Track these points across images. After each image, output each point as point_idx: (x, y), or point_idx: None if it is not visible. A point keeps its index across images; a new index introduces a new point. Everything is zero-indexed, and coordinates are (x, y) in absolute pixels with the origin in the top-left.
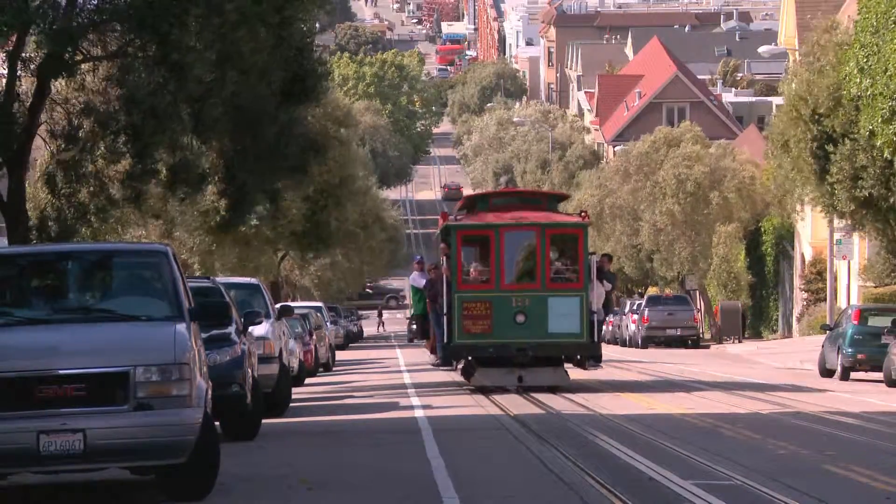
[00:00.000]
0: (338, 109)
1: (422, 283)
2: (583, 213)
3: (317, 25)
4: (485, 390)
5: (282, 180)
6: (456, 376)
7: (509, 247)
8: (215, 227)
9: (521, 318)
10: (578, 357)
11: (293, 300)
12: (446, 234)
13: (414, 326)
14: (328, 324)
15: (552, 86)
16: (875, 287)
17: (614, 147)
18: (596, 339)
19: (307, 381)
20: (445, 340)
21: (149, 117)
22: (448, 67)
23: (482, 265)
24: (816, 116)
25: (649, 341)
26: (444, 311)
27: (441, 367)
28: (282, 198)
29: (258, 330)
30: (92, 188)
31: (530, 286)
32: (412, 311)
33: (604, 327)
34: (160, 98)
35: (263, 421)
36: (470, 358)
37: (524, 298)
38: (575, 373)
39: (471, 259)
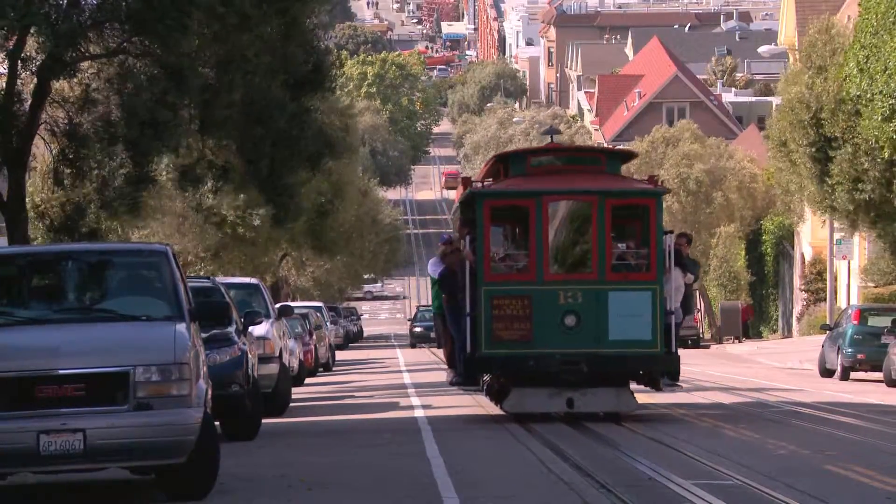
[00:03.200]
0: (344, 109)
1: (437, 272)
2: (654, 179)
3: (325, 18)
4: (521, 419)
5: (300, 169)
6: (483, 401)
7: (556, 223)
8: (225, 232)
9: (571, 321)
10: (648, 373)
11: (293, 300)
12: (469, 205)
13: (417, 329)
14: (328, 324)
15: (552, 86)
16: (875, 287)
17: (614, 147)
18: (674, 349)
19: (307, 381)
20: (468, 350)
21: (147, 128)
22: (447, 68)
23: (518, 248)
24: (816, 120)
25: None
26: (468, 310)
27: (462, 387)
28: (299, 192)
29: (258, 330)
30: (95, 185)
31: (584, 276)
32: (416, 312)
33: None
34: (160, 112)
35: (263, 421)
36: (501, 374)
37: (576, 293)
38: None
39: (503, 240)
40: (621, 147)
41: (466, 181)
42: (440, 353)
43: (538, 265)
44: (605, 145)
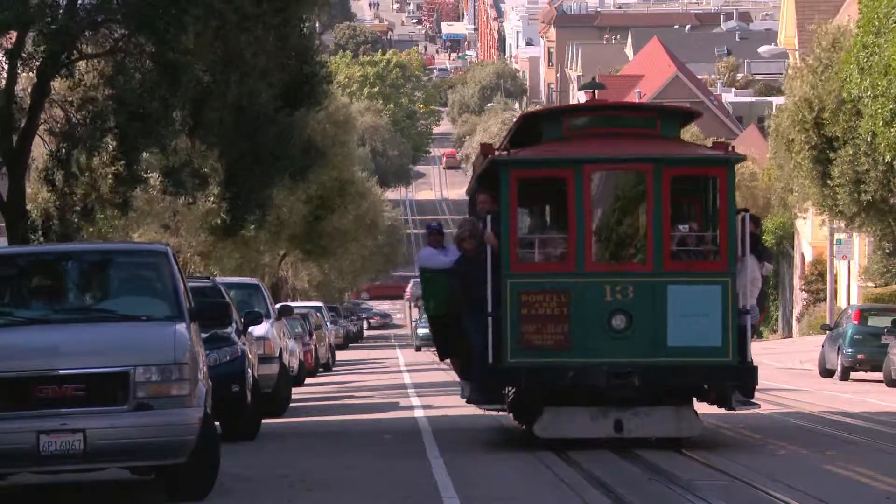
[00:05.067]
0: (338, 112)
1: (443, 261)
2: (723, 144)
3: (317, 26)
4: (554, 445)
5: (281, 185)
6: (508, 422)
7: (600, 199)
8: (217, 231)
9: (620, 322)
10: (717, 388)
11: (293, 300)
12: (491, 178)
13: (423, 330)
14: (328, 324)
15: (552, 86)
16: (875, 287)
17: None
18: (749, 358)
19: (307, 381)
20: (490, 359)
21: (135, 119)
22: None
23: (553, 230)
24: (819, 122)
25: None
26: (489, 308)
27: (481, 406)
28: (275, 206)
29: (258, 330)
30: (84, 187)
31: (636, 266)
32: (422, 311)
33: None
34: (149, 101)
35: (263, 421)
36: (531, 390)
37: (626, 287)
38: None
39: (534, 221)
40: (678, 104)
41: (487, 149)
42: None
43: (578, 252)
44: None
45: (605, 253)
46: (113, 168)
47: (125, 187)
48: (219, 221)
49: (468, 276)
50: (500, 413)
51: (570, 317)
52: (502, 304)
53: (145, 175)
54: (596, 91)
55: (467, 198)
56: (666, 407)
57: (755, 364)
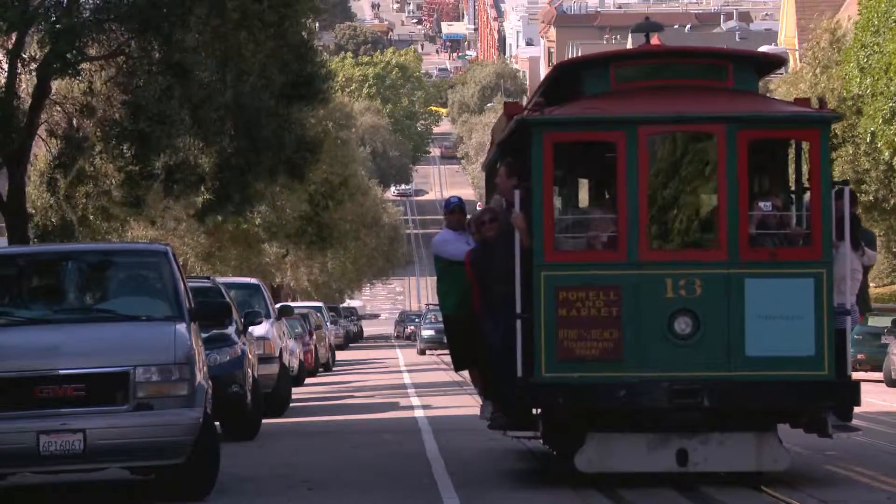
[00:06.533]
0: (338, 110)
1: (463, 250)
2: (816, 100)
3: (316, 26)
4: (599, 481)
5: (278, 181)
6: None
7: (658, 169)
8: (194, 218)
9: (684, 325)
10: (809, 410)
11: (293, 300)
12: (519, 143)
13: (427, 332)
14: (328, 324)
15: None
16: (875, 287)
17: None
18: (849, 372)
19: (307, 381)
20: (519, 373)
21: (156, 123)
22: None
23: (598, 210)
24: None
25: None
26: (518, 309)
27: (507, 433)
28: (275, 202)
29: (258, 330)
30: (91, 189)
31: (705, 255)
32: (426, 310)
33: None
34: (167, 104)
35: (263, 421)
36: (572, 412)
37: (692, 281)
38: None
39: (573, 197)
40: (755, 50)
41: (514, 108)
42: (447, 357)
43: (631, 236)
44: None
45: (666, 237)
46: (127, 169)
47: (137, 187)
48: (193, 210)
49: (489, 269)
50: (531, 440)
51: (620, 319)
52: (534, 303)
53: (158, 172)
54: (649, 35)
55: (484, 173)
56: (743, 433)
57: (855, 380)
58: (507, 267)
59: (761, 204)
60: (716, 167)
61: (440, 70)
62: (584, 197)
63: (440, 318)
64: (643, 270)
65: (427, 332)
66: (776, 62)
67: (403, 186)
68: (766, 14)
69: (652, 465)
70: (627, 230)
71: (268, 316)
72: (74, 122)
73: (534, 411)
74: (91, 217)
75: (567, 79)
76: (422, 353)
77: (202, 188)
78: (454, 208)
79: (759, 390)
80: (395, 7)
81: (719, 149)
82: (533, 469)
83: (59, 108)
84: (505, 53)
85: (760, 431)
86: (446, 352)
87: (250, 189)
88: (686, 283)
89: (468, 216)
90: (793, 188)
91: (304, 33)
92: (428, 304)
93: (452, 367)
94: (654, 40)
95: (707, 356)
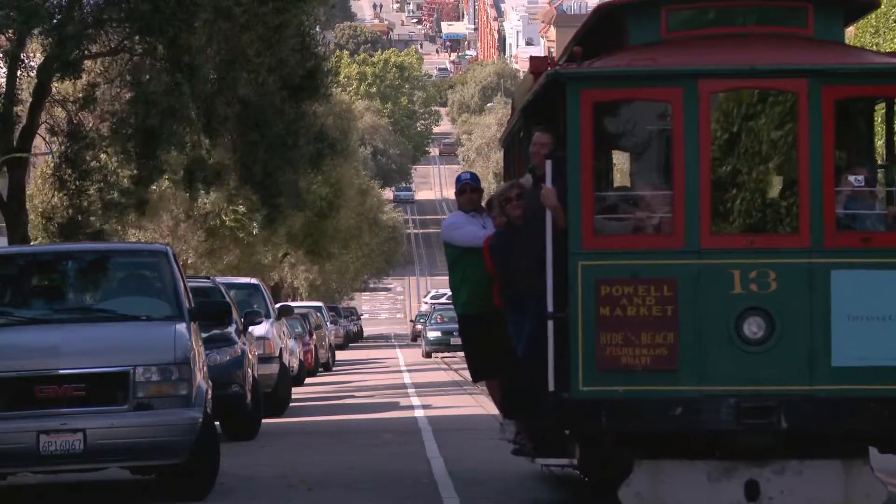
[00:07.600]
0: (339, 106)
1: (476, 235)
2: None
3: (317, 25)
4: None
5: (301, 173)
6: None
7: (723, 134)
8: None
9: (756, 328)
10: None
11: (293, 300)
12: (550, 104)
13: (434, 333)
14: (328, 324)
15: None
16: None
17: None
18: None
19: (307, 381)
20: (551, 387)
21: (167, 117)
22: (448, 66)
23: (649, 185)
24: None
25: None
26: (548, 307)
27: (536, 460)
28: (296, 190)
29: (258, 330)
30: (99, 185)
31: (781, 241)
32: (431, 308)
33: None
34: (176, 98)
35: (263, 421)
36: (617, 434)
37: (764, 274)
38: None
39: (618, 170)
40: None
41: (541, 63)
42: (448, 357)
43: (690, 218)
44: None
45: (732, 220)
46: (131, 167)
47: (144, 185)
48: (219, 222)
49: (507, 259)
50: (566, 469)
51: (676, 320)
52: (570, 299)
53: (163, 169)
54: None
55: (502, 150)
56: (828, 461)
57: None
58: (542, 258)
59: (851, 178)
60: (796, 132)
61: (440, 70)
62: (631, 169)
63: (447, 319)
64: (705, 260)
65: (433, 334)
66: (867, 4)
67: (401, 193)
68: None
69: (714, 500)
70: (685, 210)
71: (268, 316)
72: (76, 119)
73: (566, 432)
74: (97, 214)
75: (609, 26)
76: (427, 355)
77: (229, 184)
78: (465, 186)
79: (849, 408)
80: (395, 7)
81: (800, 109)
82: (533, 469)
83: (59, 108)
84: (505, 53)
85: (849, 458)
86: (452, 354)
87: (282, 181)
88: (758, 276)
89: (484, 196)
90: (882, 160)
91: (308, 26)
92: (433, 304)
93: (470, 377)
94: None
95: (783, 366)
